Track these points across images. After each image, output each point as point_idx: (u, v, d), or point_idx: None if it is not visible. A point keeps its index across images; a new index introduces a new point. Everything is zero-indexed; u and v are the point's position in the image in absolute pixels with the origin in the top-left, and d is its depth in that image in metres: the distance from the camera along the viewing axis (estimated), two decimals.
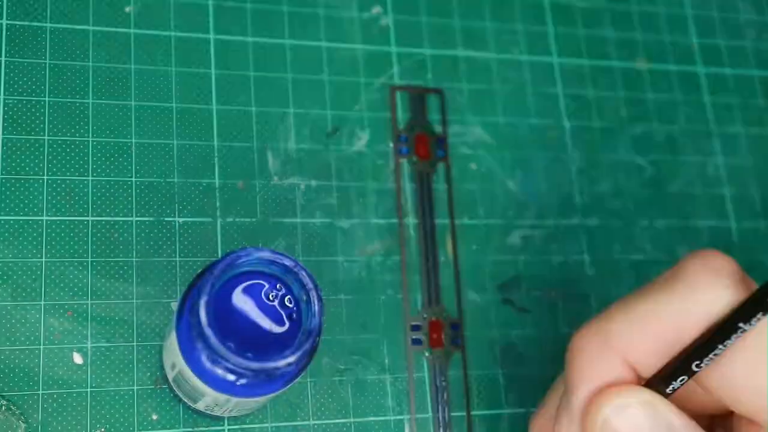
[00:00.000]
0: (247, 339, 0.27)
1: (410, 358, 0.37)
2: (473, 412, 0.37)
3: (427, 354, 0.37)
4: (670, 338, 0.21)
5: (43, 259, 0.34)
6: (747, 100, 0.47)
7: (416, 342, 0.37)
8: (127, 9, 0.38)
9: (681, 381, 0.21)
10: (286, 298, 0.28)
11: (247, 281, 0.28)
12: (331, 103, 0.40)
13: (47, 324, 0.33)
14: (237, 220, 0.37)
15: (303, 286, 0.27)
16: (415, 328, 0.37)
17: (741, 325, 0.20)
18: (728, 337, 0.20)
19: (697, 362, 0.21)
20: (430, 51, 0.42)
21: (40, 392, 0.32)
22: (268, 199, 0.37)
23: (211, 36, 0.39)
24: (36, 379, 0.32)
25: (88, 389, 0.33)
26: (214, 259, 0.36)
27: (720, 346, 0.20)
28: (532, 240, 0.41)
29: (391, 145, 0.40)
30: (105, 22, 0.38)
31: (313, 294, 0.27)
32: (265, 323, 0.28)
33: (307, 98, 0.40)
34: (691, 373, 0.21)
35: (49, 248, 0.34)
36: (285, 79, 0.40)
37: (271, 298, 0.28)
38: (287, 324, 0.28)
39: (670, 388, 0.21)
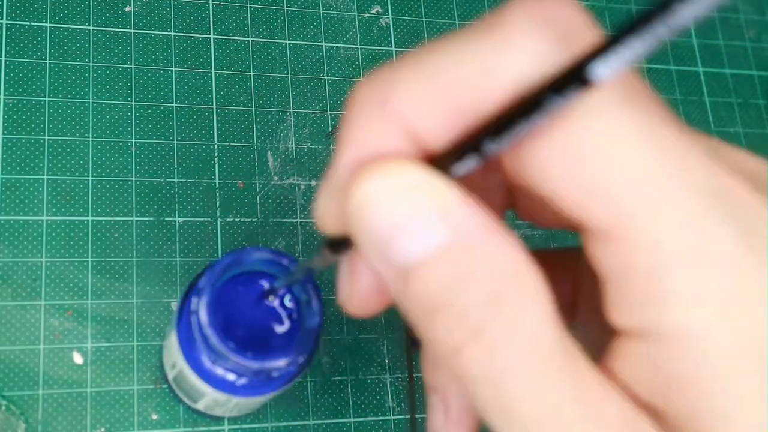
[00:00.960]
0: (247, 339, 0.27)
1: (410, 358, 0.37)
2: None
3: None
4: (467, 104, 0.16)
5: (43, 259, 0.34)
6: (747, 100, 0.47)
7: (416, 342, 0.37)
8: (127, 9, 0.38)
9: (469, 162, 0.16)
10: (286, 298, 0.28)
11: (247, 281, 0.28)
12: (331, 103, 0.40)
13: (47, 324, 0.33)
14: (237, 220, 0.37)
15: (303, 285, 0.27)
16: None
17: (553, 96, 0.14)
18: (535, 111, 0.15)
19: (491, 139, 0.15)
20: None
21: (40, 392, 0.32)
22: (268, 199, 0.37)
23: (211, 36, 0.39)
24: (36, 379, 0.32)
25: (88, 389, 0.33)
26: (214, 259, 0.36)
27: (523, 123, 0.15)
28: (532, 240, 0.40)
29: None
30: (105, 22, 0.38)
31: (313, 294, 0.27)
32: (266, 323, 0.28)
33: (307, 98, 0.40)
34: (482, 154, 0.16)
35: (49, 248, 0.34)
36: (285, 79, 0.40)
37: (271, 298, 0.28)
38: (287, 324, 0.28)
39: (456, 170, 0.16)
